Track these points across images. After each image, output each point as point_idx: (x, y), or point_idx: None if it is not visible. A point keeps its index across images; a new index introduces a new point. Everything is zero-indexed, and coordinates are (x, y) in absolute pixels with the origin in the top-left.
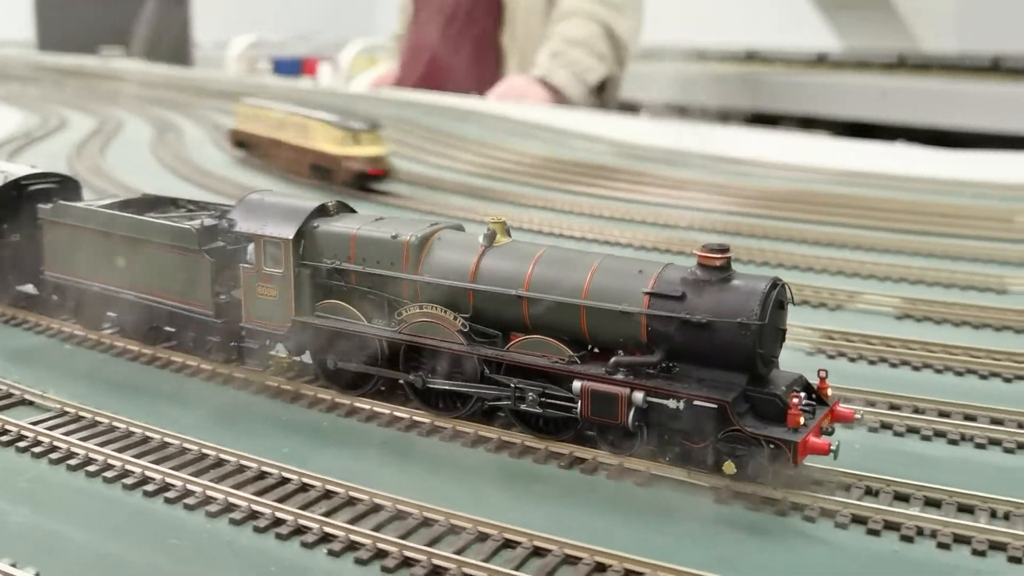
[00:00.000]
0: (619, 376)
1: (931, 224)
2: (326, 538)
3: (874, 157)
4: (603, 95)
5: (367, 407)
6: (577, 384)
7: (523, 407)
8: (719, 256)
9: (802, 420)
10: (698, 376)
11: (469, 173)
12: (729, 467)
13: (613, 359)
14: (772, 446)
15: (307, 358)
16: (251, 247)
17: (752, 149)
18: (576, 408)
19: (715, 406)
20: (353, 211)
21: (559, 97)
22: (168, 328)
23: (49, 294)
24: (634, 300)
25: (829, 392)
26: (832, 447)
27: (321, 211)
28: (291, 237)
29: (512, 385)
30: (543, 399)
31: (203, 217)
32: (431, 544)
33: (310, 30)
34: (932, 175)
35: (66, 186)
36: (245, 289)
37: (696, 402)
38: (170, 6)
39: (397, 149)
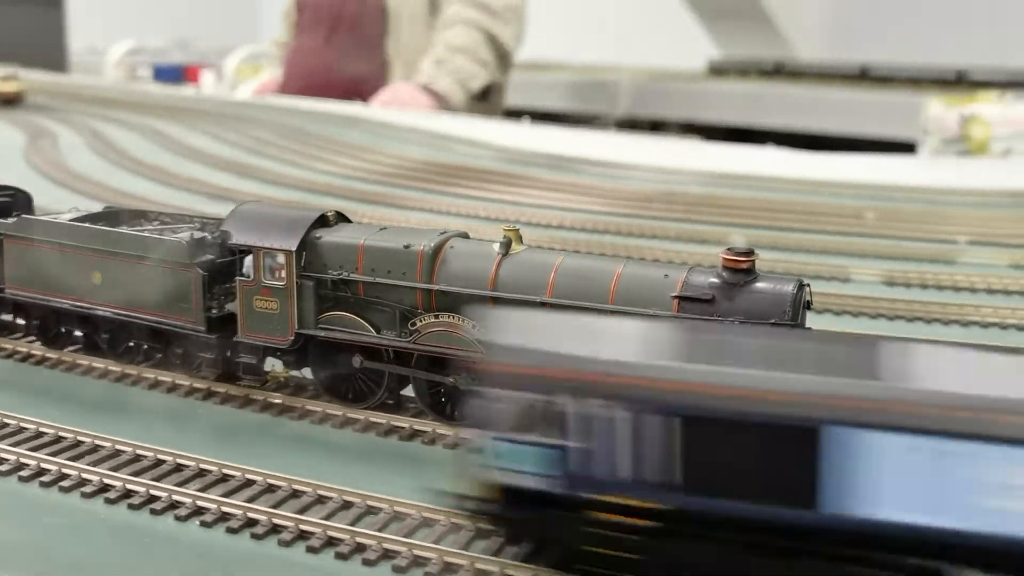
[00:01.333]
0: None
1: (787, 220)
2: (199, 511)
3: (742, 160)
4: (487, 101)
5: (241, 394)
6: None
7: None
8: (745, 260)
9: None
10: None
11: (349, 176)
12: None
13: None
14: None
15: (306, 372)
16: (248, 259)
17: (628, 153)
18: None
19: None
20: (349, 220)
21: (443, 104)
22: (150, 345)
23: (7, 313)
24: (662, 304)
25: None
26: None
27: (321, 221)
28: (294, 248)
29: None
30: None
31: (188, 230)
32: (301, 512)
33: (192, 37)
34: (794, 176)
35: (17, 199)
36: (242, 303)
37: None
38: (44, 11)
39: (278, 154)
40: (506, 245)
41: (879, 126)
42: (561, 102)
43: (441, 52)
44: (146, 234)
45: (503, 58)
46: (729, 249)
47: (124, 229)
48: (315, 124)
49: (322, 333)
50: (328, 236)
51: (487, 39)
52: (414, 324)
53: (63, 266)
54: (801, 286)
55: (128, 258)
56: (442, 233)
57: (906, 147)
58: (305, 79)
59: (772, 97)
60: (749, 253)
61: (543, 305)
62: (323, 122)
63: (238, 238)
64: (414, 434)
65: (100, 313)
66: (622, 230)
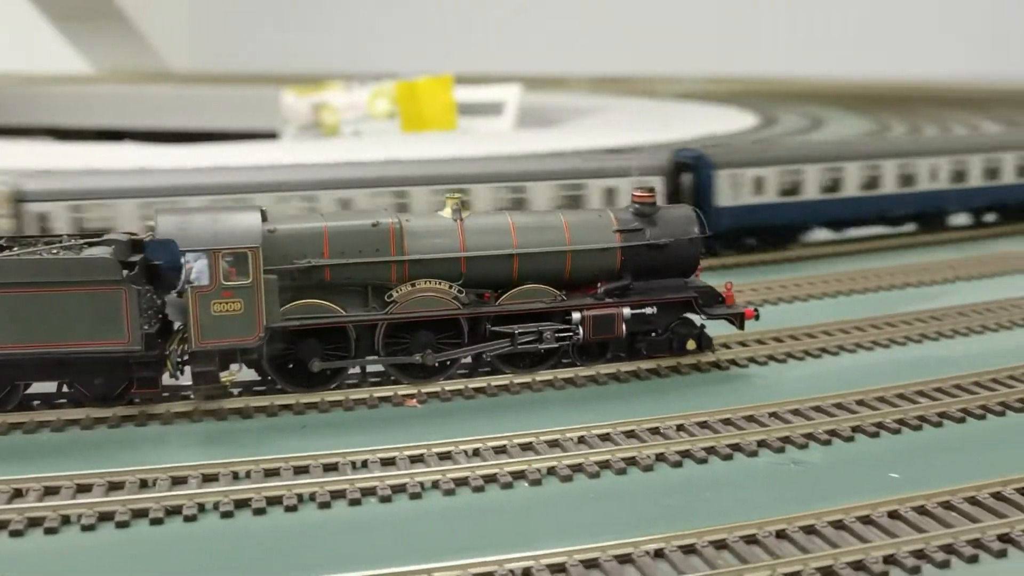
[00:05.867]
0: (608, 300)
1: None
2: None
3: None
4: None
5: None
6: (577, 314)
7: (540, 346)
8: (651, 195)
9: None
10: (652, 287)
11: None
12: (691, 344)
13: (603, 287)
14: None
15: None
16: (197, 266)
17: None
18: (576, 335)
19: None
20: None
21: None
22: (51, 381)
23: None
24: (607, 238)
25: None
26: (755, 311)
27: (263, 216)
28: (260, 244)
29: (515, 331)
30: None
31: (95, 246)
32: None
33: None
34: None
35: None
36: (196, 311)
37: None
38: None
39: None
40: (459, 212)
41: (246, 119)
42: None
43: None
44: (44, 256)
45: None
46: (637, 188)
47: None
48: None
49: (297, 322)
50: (282, 227)
51: None
52: (391, 296)
53: None
54: (695, 207)
55: (24, 286)
56: (384, 209)
57: (272, 136)
58: None
59: (141, 99)
60: (652, 189)
61: (510, 257)
62: None
63: (188, 244)
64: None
65: None
66: None
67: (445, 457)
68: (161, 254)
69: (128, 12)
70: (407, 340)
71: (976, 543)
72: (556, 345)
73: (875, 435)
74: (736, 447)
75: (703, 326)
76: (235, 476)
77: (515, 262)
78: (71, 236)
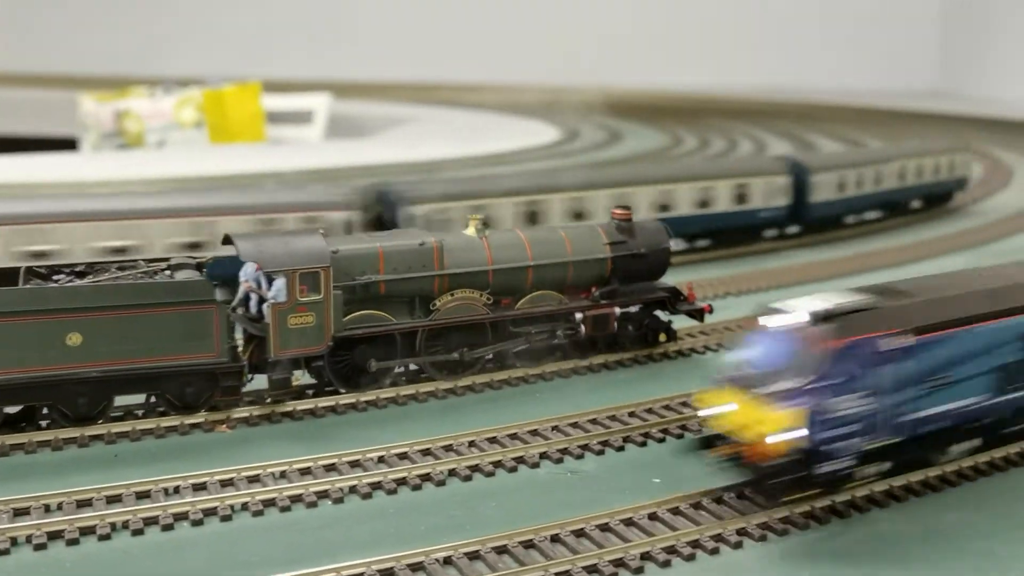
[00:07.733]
0: (604, 302)
1: None
2: None
3: None
4: None
5: None
6: (579, 314)
7: (554, 342)
8: (629, 212)
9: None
10: (632, 289)
11: None
12: (663, 336)
13: (598, 291)
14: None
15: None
16: (276, 284)
17: None
18: (579, 331)
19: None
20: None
21: None
22: (144, 393)
23: None
24: (599, 250)
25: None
26: (711, 307)
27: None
28: (329, 264)
29: (532, 331)
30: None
31: (177, 269)
32: None
33: None
34: None
35: None
36: (275, 324)
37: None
38: None
39: None
40: (482, 231)
41: (39, 124)
42: None
43: None
44: (156, 280)
45: None
46: (617, 207)
47: (108, 280)
48: None
49: (361, 331)
50: (343, 248)
51: None
52: (434, 305)
53: (17, 337)
54: (663, 222)
55: (126, 309)
56: (420, 229)
57: (69, 143)
58: None
59: None
60: (628, 208)
61: (526, 268)
62: None
63: (270, 265)
64: None
65: (82, 375)
66: None
67: (254, 480)
68: (217, 274)
69: None
70: (442, 342)
71: (718, 537)
72: (564, 340)
73: (643, 444)
74: (520, 460)
75: (670, 321)
76: (47, 509)
77: (530, 272)
78: (147, 262)
